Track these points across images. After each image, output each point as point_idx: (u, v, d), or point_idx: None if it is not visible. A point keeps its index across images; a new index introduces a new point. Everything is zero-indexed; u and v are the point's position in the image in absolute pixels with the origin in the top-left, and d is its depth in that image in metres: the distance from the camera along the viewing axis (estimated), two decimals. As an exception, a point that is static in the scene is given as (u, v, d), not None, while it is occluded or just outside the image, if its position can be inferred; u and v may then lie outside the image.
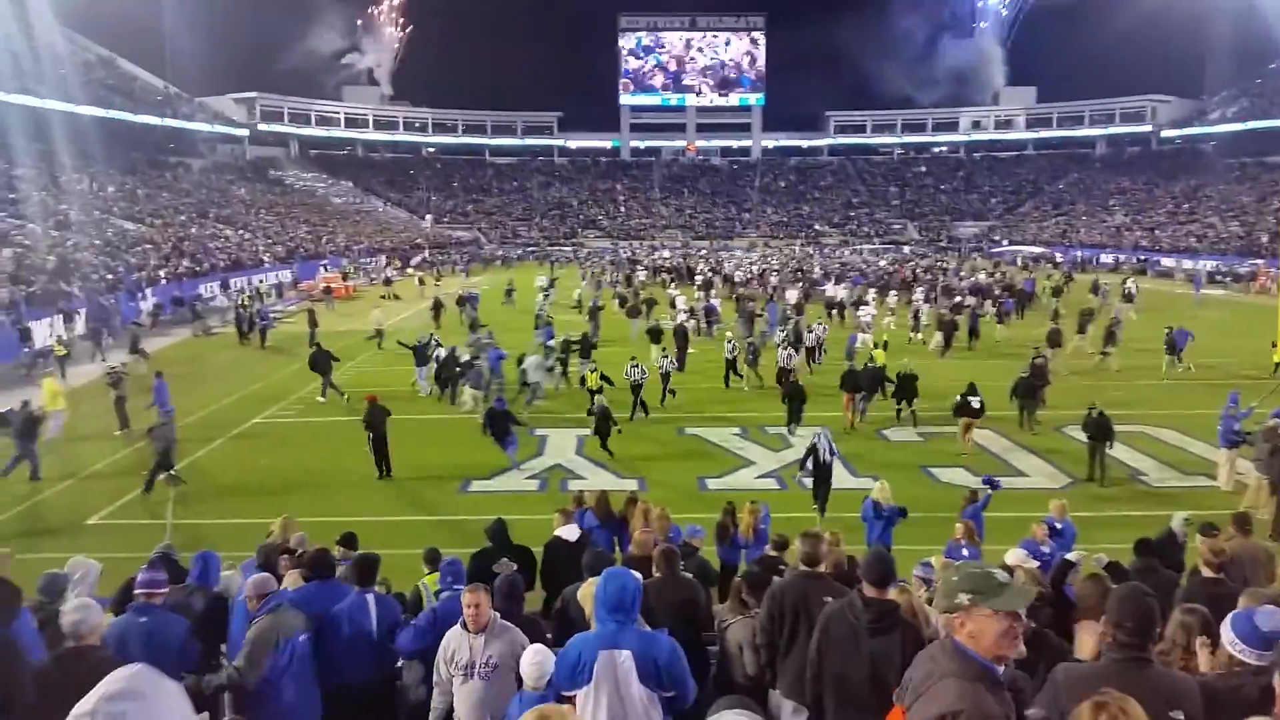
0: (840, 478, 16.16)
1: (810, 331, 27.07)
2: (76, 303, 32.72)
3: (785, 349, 23.19)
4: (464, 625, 5.46)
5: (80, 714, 1.78)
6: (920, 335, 31.40)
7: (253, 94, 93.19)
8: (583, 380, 21.04)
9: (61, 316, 30.68)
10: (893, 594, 5.00)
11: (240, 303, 37.67)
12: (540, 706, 3.19)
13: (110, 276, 37.50)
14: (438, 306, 34.99)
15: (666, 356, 22.70)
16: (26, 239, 37.38)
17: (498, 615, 5.54)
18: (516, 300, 41.91)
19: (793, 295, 38.65)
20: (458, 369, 22.08)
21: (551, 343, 24.99)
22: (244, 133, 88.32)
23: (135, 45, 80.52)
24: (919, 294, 38.26)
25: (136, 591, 6.10)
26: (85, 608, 4.94)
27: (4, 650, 4.30)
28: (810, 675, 5.06)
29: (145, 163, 66.81)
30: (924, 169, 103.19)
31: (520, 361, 22.27)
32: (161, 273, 41.55)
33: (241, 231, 59.65)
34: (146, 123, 70.70)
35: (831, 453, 14.28)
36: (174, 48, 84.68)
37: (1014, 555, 7.76)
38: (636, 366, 20.78)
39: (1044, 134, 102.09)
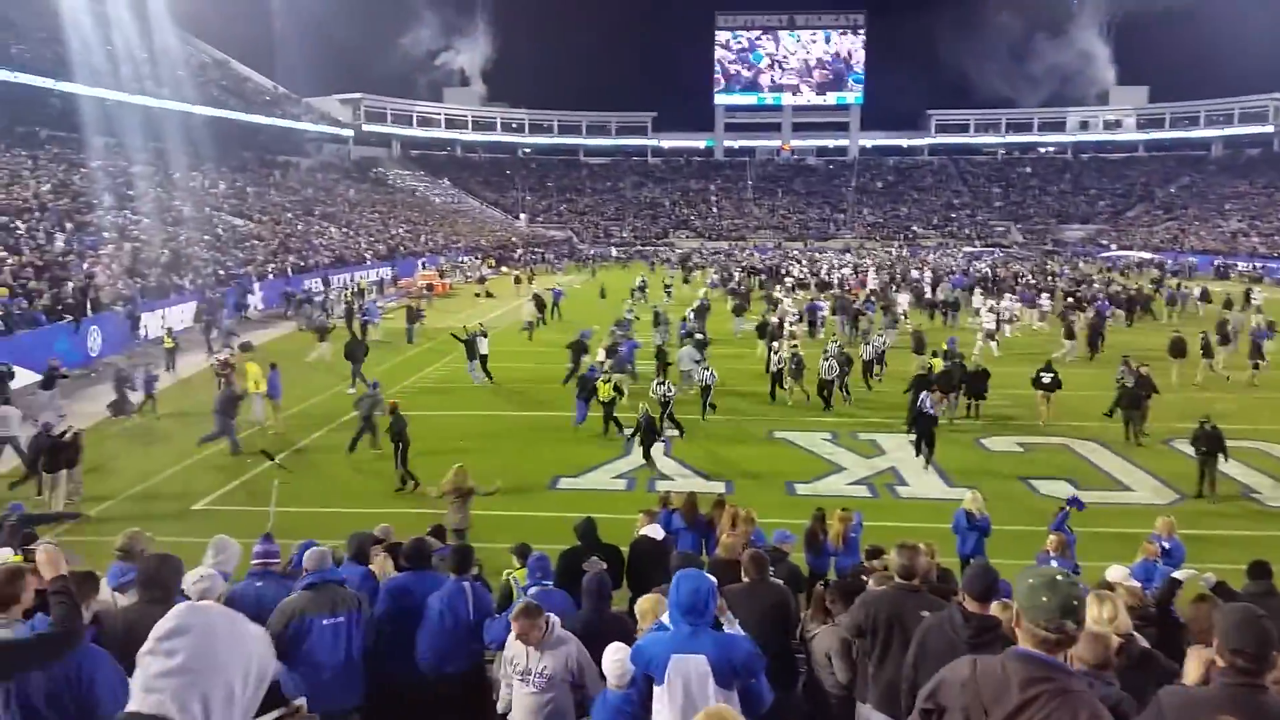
0: (935, 488, 15.86)
1: (868, 344, 25.29)
2: (187, 295, 34.14)
3: (828, 360, 21.71)
4: None
5: (140, 655, 1.83)
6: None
7: (357, 95, 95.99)
8: (594, 391, 19.64)
9: (180, 308, 32.13)
10: (995, 609, 4.85)
11: (346, 298, 38.95)
12: (711, 707, 3.29)
13: (221, 271, 39.03)
14: (539, 304, 35.49)
15: (707, 369, 21.21)
16: (142, 234, 39.18)
17: (556, 625, 5.54)
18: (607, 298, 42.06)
19: (903, 300, 37.44)
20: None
21: (701, 336, 25.79)
22: (349, 133, 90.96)
23: (247, 48, 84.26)
24: (1010, 299, 36.93)
25: (254, 561, 6.73)
26: (210, 576, 5.60)
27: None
28: (905, 689, 4.94)
29: (255, 161, 69.37)
30: (1029, 170, 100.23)
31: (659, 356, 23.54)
32: (269, 268, 43.06)
33: (345, 229, 61.44)
34: (257, 122, 73.45)
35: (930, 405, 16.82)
36: (283, 50, 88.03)
37: (1115, 572, 7.45)
38: (663, 384, 19.66)
39: (1156, 135, 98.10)
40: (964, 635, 4.66)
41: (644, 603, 5.54)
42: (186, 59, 69.38)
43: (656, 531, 8.81)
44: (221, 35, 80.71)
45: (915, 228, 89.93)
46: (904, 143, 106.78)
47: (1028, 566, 3.17)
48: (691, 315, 30.83)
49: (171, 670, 1.77)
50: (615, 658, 4.81)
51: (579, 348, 24.09)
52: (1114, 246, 76.87)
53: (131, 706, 1.78)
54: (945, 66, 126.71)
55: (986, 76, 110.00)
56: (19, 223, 33.10)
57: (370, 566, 7.56)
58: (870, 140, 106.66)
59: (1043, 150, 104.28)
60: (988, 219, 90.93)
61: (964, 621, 4.70)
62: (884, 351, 25.62)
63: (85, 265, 31.28)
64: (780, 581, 6.67)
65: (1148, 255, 68.17)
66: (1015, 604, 2.91)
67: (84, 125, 49.71)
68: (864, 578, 7.91)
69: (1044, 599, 2.77)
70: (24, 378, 22.02)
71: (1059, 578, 2.82)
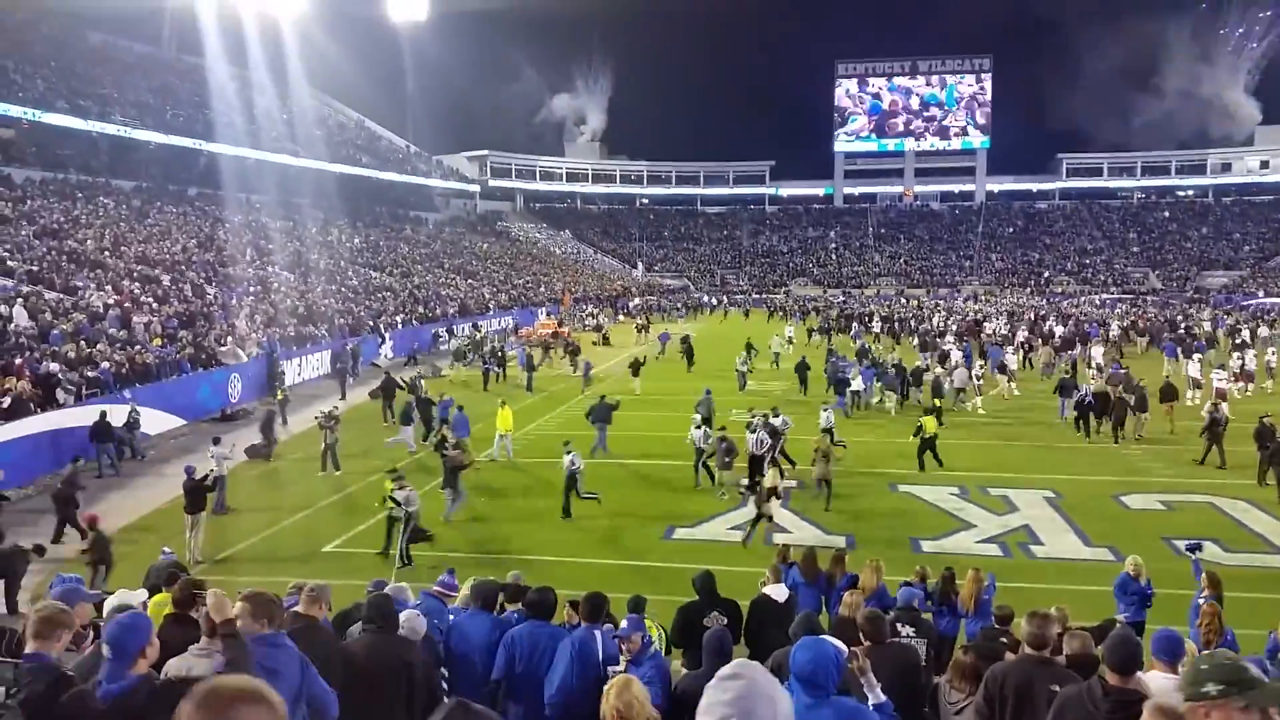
0: (1072, 547, 15.00)
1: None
2: (323, 345, 35.59)
3: (754, 432, 18.79)
4: None
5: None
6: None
7: (484, 152, 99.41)
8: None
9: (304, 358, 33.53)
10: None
11: (491, 346, 39.57)
12: None
13: (352, 321, 40.62)
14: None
15: (778, 417, 20.11)
16: (281, 286, 41.21)
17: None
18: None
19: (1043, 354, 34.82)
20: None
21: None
22: (475, 188, 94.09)
23: (381, 108, 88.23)
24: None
25: (435, 589, 7.80)
26: (418, 618, 6.48)
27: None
28: (1041, 764, 4.58)
29: (387, 216, 72.37)
30: (1167, 214, 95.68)
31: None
32: (398, 318, 44.61)
33: (470, 280, 63.30)
34: (389, 179, 76.72)
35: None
36: (414, 110, 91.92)
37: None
38: (699, 429, 19.36)
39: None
40: (1103, 709, 4.33)
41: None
42: (324, 119, 73.37)
43: (779, 593, 8.47)
44: (357, 97, 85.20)
45: (1047, 274, 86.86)
46: (1033, 187, 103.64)
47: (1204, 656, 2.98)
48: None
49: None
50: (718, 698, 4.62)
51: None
52: (1261, 293, 72.40)
53: None
54: (1075, 109, 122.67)
55: (1118, 119, 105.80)
56: (168, 276, 35.25)
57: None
58: (997, 185, 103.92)
59: (1181, 194, 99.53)
60: (1124, 265, 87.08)
61: (1104, 695, 4.36)
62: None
63: (227, 316, 33.01)
64: (906, 641, 6.32)
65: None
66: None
67: (227, 183, 53.00)
68: (1003, 640, 7.46)
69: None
70: (167, 423, 23.28)
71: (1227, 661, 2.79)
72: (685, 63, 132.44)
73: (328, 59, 70.85)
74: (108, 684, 3.76)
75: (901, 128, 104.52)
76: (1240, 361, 30.64)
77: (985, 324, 47.75)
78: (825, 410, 21.40)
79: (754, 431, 18.68)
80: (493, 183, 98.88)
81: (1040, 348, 35.87)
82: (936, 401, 24.28)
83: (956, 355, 32.71)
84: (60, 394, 21.07)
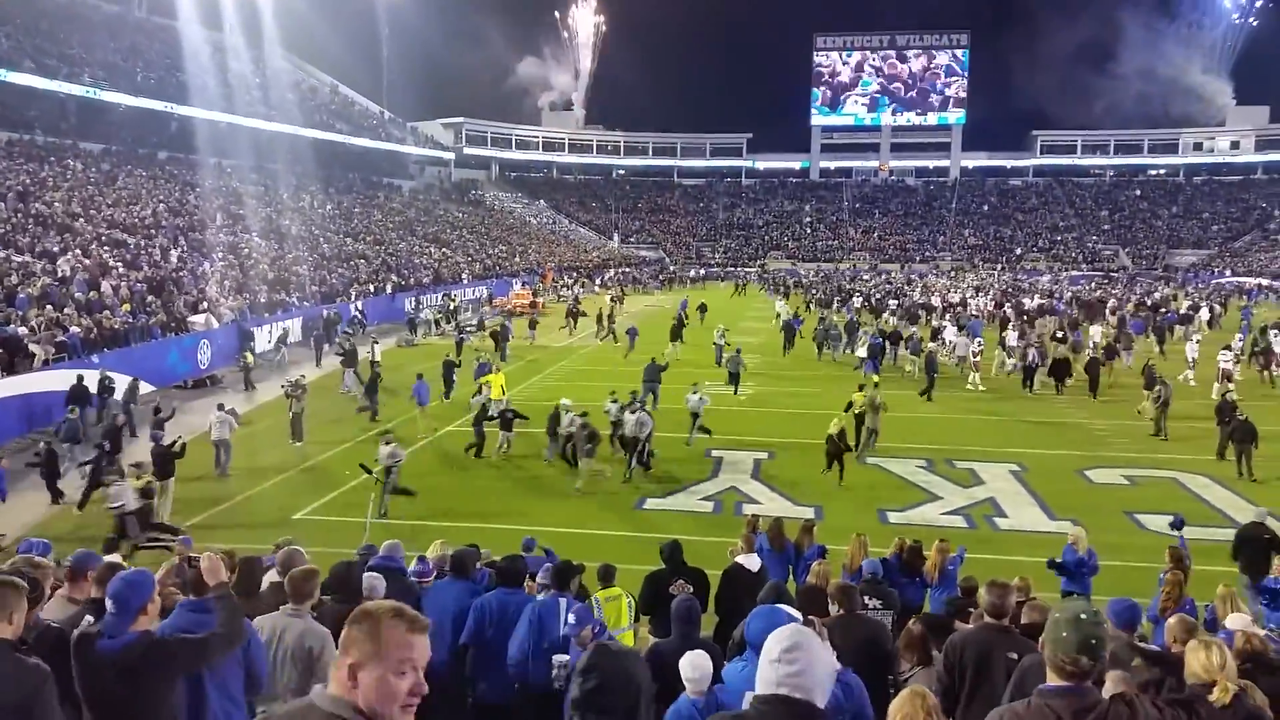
0: (1036, 520, 15.29)
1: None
2: (294, 312, 35.29)
3: (636, 415, 17.99)
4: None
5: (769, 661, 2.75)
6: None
7: (459, 119, 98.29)
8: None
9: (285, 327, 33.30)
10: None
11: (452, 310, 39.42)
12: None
13: (324, 289, 40.27)
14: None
15: (697, 393, 20.03)
16: (252, 252, 40.75)
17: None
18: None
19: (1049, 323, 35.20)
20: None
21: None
22: (450, 156, 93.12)
23: (355, 73, 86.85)
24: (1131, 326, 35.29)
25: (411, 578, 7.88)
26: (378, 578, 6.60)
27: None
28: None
29: (360, 183, 71.57)
30: (1138, 192, 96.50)
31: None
32: (370, 287, 44.27)
33: (444, 249, 62.85)
34: (363, 146, 75.75)
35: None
36: (389, 75, 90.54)
37: (1235, 620, 6.94)
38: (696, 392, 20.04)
39: (1276, 156, 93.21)
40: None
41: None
42: (297, 84, 72.19)
43: (753, 561, 8.60)
44: (331, 61, 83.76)
45: (1018, 251, 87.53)
46: (1007, 164, 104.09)
47: (1058, 603, 3.15)
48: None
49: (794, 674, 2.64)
50: (696, 662, 4.76)
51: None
52: (1229, 272, 73.38)
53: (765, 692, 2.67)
54: (1050, 87, 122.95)
55: (1093, 98, 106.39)
56: (138, 240, 34.76)
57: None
58: (972, 161, 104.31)
59: (1153, 173, 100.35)
60: (1095, 243, 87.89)
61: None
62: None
63: (197, 282, 32.63)
64: (876, 616, 6.45)
65: (1265, 282, 64.82)
66: (1042, 638, 3.08)
67: (200, 147, 52.20)
68: (955, 612, 7.62)
69: (1064, 634, 2.90)
70: (141, 389, 23.09)
71: (1082, 615, 2.93)
72: (664, 33, 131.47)
73: (301, 22, 69.83)
74: (108, 638, 3.90)
75: (878, 102, 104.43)
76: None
77: (971, 300, 48.31)
78: (695, 394, 20.00)
79: (634, 413, 17.79)
80: (468, 150, 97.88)
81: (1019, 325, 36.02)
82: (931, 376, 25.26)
83: (951, 331, 33.10)
84: (40, 353, 20.90)
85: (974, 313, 42.07)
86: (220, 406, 18.57)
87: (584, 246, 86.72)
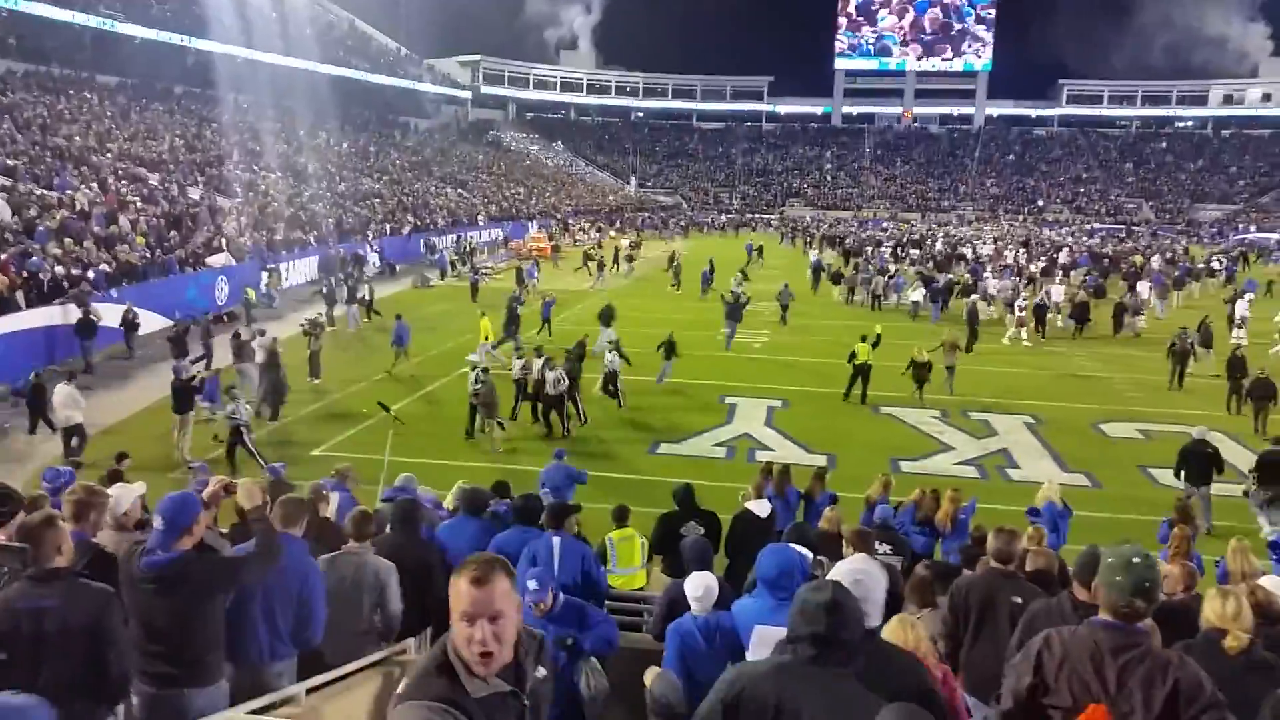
0: (1048, 472, 15.29)
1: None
2: (311, 250, 35.31)
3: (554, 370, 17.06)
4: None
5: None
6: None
7: (476, 57, 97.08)
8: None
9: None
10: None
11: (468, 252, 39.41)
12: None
13: (341, 228, 40.25)
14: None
15: (615, 352, 19.17)
16: (269, 189, 40.68)
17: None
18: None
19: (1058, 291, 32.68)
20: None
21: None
22: (467, 95, 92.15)
23: (372, 7, 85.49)
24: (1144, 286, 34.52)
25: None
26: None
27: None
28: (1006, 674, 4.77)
29: (376, 120, 71.02)
30: (1164, 145, 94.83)
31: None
32: (386, 227, 44.19)
33: (460, 190, 62.53)
34: (379, 83, 74.98)
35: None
36: (406, 10, 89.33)
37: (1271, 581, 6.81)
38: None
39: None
40: (1073, 623, 4.48)
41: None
42: (314, 18, 71.31)
43: (762, 507, 8.67)
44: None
45: (1040, 202, 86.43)
46: (1032, 113, 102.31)
47: (1109, 546, 3.23)
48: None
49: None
50: (701, 582, 4.92)
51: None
52: (1253, 228, 72.29)
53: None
54: (1078, 35, 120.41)
55: (1121, 47, 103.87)
56: (154, 175, 34.72)
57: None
58: (997, 109, 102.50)
59: (1180, 125, 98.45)
60: (1118, 196, 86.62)
61: (1073, 609, 4.54)
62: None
63: (214, 218, 32.63)
64: (887, 560, 6.51)
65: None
66: (1096, 580, 3.20)
67: (216, 82, 51.80)
68: (961, 558, 7.68)
69: (1117, 578, 3.01)
70: (156, 323, 23.23)
71: (1135, 559, 3.01)
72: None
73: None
74: (153, 554, 4.13)
75: (904, 46, 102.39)
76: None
77: (1007, 251, 47.58)
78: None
79: (553, 370, 16.95)
80: (485, 89, 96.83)
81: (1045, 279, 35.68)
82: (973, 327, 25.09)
83: (992, 282, 32.80)
84: (65, 286, 21.15)
85: (1007, 264, 41.48)
86: (261, 333, 19.27)
87: (601, 190, 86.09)
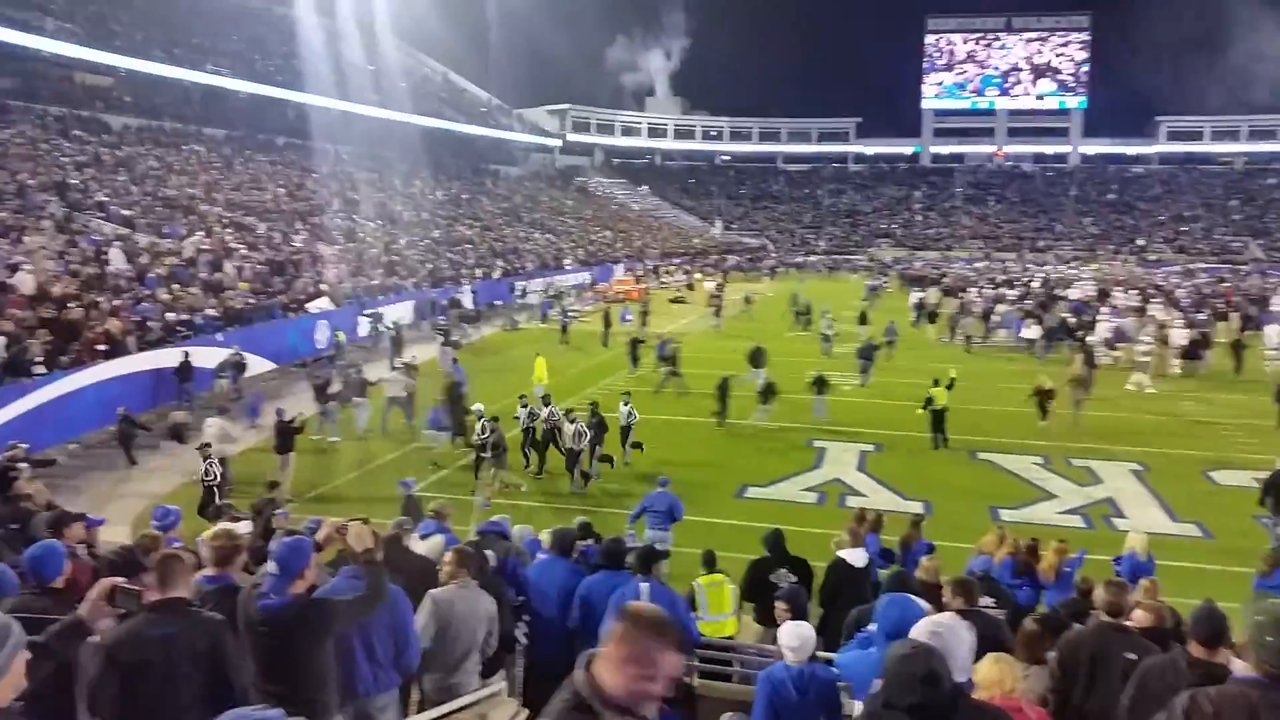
0: (1157, 521, 14.62)
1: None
2: (405, 295, 36.20)
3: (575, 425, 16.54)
4: None
5: None
6: None
7: (565, 106, 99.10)
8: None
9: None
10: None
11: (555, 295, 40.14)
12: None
13: (434, 271, 41.22)
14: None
15: (628, 405, 17.99)
16: (367, 236, 41.98)
17: None
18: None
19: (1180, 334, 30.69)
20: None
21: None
22: (556, 142, 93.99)
23: (463, 60, 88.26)
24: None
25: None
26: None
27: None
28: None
29: (468, 169, 72.87)
30: (1273, 181, 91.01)
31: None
32: (478, 271, 45.10)
33: (548, 235, 63.58)
34: (472, 133, 77.04)
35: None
36: (497, 63, 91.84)
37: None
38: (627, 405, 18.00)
39: None
40: (1186, 682, 4.23)
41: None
42: (409, 71, 73.83)
43: (858, 557, 8.41)
44: (440, 47, 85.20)
45: (1140, 241, 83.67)
46: (1130, 150, 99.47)
47: (1256, 601, 3.18)
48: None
49: None
50: (797, 632, 4.87)
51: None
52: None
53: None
54: (1176, 70, 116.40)
55: (1224, 81, 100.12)
56: (259, 223, 36.17)
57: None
58: (1093, 148, 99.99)
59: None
60: (1224, 235, 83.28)
61: (1188, 667, 4.31)
62: None
63: (315, 264, 33.76)
64: (991, 612, 6.25)
65: None
66: (1245, 638, 3.18)
67: (317, 134, 53.88)
68: (1069, 612, 7.32)
69: (1269, 639, 2.98)
70: (259, 366, 24.04)
71: None
72: (769, 14, 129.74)
73: (412, 9, 71.14)
74: (268, 597, 4.36)
75: (995, 85, 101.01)
76: None
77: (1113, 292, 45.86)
78: (626, 405, 17.99)
79: (573, 422, 16.49)
80: (573, 137, 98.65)
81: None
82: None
83: (1106, 325, 31.91)
84: (176, 330, 22.09)
85: (1118, 305, 40.08)
86: (394, 366, 20.75)
87: (686, 233, 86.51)
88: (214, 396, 21.49)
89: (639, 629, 2.41)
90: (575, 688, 2.46)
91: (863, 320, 33.68)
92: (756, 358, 23.67)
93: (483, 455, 15.93)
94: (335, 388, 20.28)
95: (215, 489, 13.63)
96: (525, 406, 17.76)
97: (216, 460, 14.08)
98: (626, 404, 17.96)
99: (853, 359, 26.10)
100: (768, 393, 20.78)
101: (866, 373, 25.28)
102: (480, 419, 16.38)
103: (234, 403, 21.61)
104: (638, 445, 17.91)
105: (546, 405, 17.45)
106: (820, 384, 21.04)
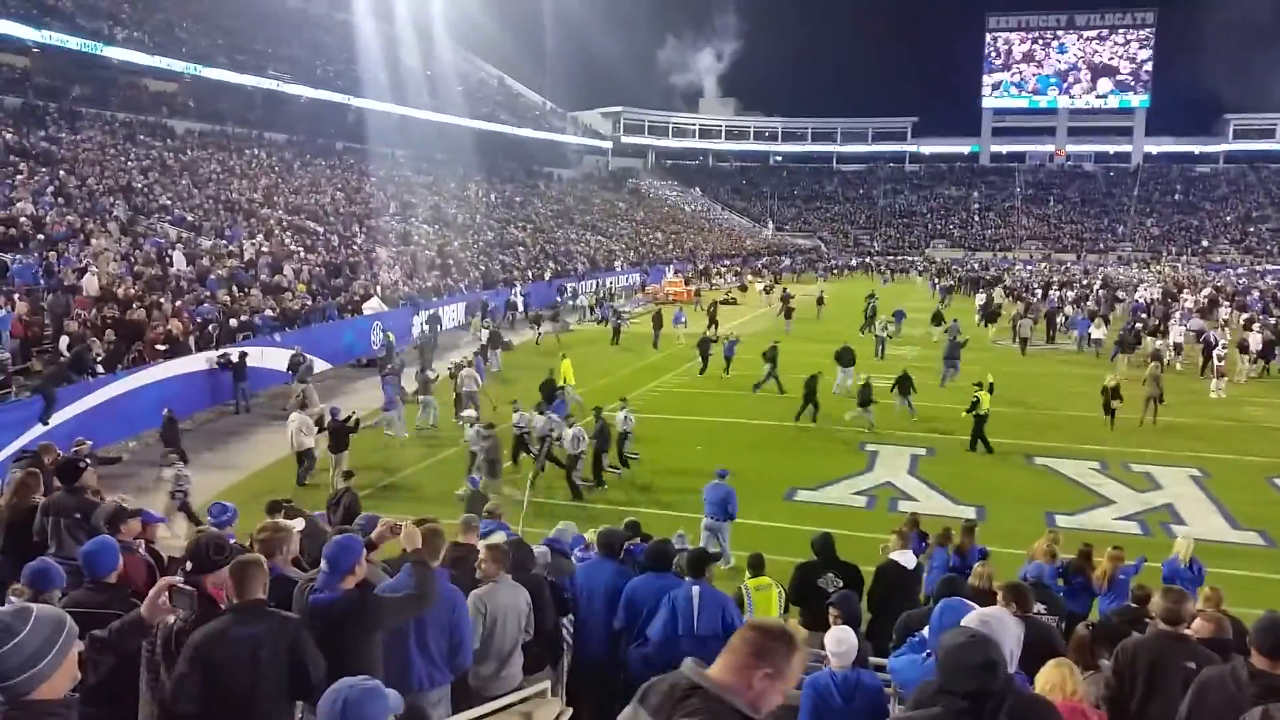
0: (1218, 529, 14.24)
1: None
2: (457, 297, 36.59)
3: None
4: None
5: None
6: None
7: (617, 108, 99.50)
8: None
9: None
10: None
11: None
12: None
13: (486, 273, 41.63)
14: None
15: (625, 411, 17.87)
16: (422, 239, 42.54)
17: None
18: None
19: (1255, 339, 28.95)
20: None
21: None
22: (608, 145, 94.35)
23: (517, 63, 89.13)
24: None
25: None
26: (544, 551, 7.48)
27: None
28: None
29: (522, 172, 73.45)
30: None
31: None
32: (529, 273, 45.45)
33: (600, 237, 63.81)
34: (526, 136, 77.69)
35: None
36: (551, 66, 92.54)
37: None
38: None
39: None
40: (1248, 693, 4.14)
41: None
42: (465, 76, 74.64)
43: (908, 559, 8.34)
44: (495, 51, 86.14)
45: (1205, 242, 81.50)
46: (1195, 149, 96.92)
47: None
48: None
49: None
50: (841, 637, 4.88)
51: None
52: None
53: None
54: (1244, 66, 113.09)
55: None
56: (317, 226, 36.84)
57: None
58: (1156, 146, 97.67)
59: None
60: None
61: (1249, 678, 4.19)
62: None
63: (371, 266, 34.29)
64: (1043, 619, 6.16)
65: None
66: None
67: (372, 137, 54.78)
68: (1127, 621, 7.17)
69: None
70: (316, 366, 24.49)
71: None
72: (824, 13, 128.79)
73: (469, 14, 72.02)
74: (320, 592, 4.56)
75: (1055, 83, 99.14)
76: None
77: (1182, 294, 44.88)
78: (623, 411, 17.78)
79: (571, 427, 16.39)
80: (625, 139, 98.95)
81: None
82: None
83: (1178, 330, 31.30)
84: (239, 333, 22.68)
85: (1189, 308, 39.21)
86: (468, 363, 21.20)
87: (738, 234, 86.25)
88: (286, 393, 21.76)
89: (766, 636, 2.51)
90: (692, 680, 2.46)
91: (937, 320, 34.05)
92: (844, 357, 23.82)
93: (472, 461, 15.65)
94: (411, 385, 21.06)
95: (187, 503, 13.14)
96: (518, 411, 17.57)
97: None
98: (624, 410, 17.83)
99: (903, 363, 25.73)
100: (904, 386, 21.23)
101: (951, 372, 24.85)
102: (472, 425, 16.39)
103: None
104: (634, 456, 17.64)
105: (540, 413, 17.40)
106: (902, 384, 21.18)
